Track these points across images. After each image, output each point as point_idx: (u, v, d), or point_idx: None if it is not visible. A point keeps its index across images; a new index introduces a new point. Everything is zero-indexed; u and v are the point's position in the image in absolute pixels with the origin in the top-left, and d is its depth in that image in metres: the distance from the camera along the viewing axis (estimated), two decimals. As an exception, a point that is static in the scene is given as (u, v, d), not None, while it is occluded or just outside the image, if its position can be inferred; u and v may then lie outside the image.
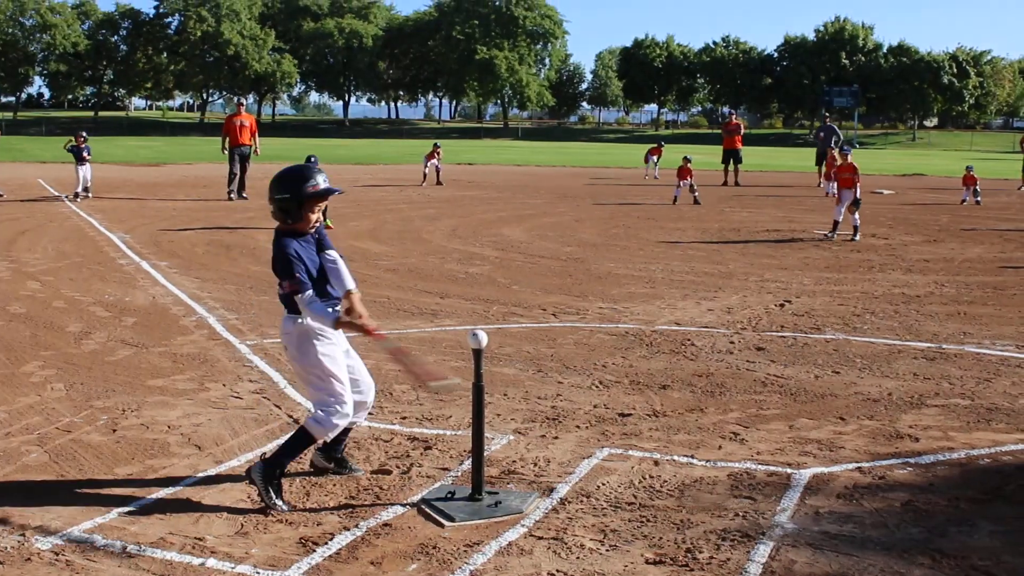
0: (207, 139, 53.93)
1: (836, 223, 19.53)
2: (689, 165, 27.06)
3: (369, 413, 7.42)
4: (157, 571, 4.92)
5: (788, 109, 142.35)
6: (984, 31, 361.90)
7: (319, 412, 5.82)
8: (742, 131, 36.70)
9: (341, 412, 5.83)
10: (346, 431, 6.18)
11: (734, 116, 41.88)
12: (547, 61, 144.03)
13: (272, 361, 8.96)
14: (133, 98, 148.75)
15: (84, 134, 26.73)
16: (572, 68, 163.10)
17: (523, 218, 22.39)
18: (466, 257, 15.95)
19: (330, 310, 5.85)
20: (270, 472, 5.78)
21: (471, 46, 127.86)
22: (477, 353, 5.84)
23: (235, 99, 39.61)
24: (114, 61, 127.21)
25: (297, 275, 5.70)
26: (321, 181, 5.88)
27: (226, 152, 26.31)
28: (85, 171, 25.47)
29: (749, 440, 6.97)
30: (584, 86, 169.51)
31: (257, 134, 26.83)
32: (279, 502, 5.73)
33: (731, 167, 34.86)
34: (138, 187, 29.77)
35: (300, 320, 5.85)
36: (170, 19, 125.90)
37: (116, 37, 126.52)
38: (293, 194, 5.80)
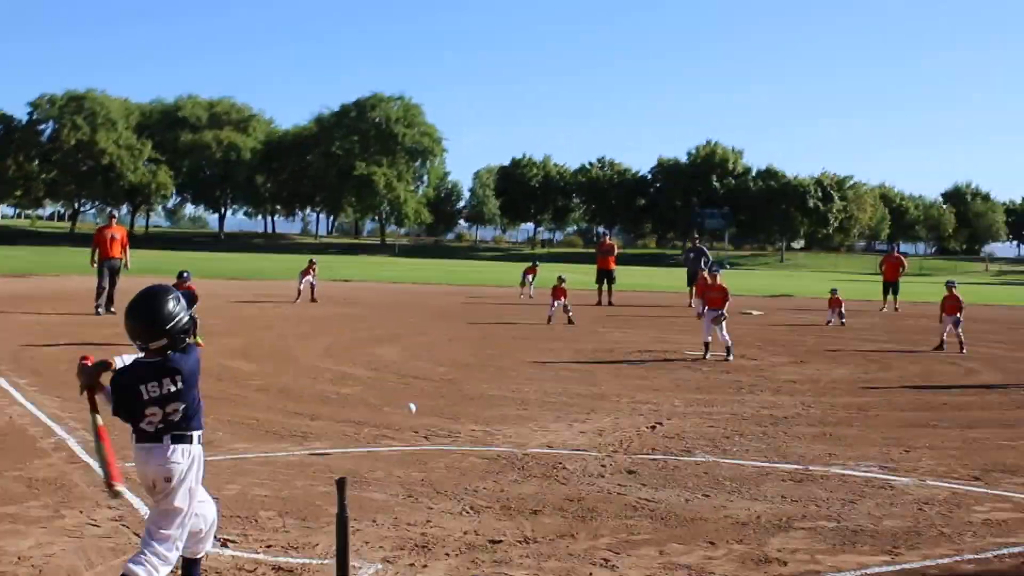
0: (77, 250, 53.14)
1: (706, 344, 19.87)
2: (563, 285, 27.34)
3: (232, 541, 7.24)
4: None
5: (661, 229, 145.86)
6: (846, 157, 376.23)
7: (152, 558, 5.53)
8: (615, 251, 37.29)
9: (171, 560, 5.65)
10: (196, 565, 6.03)
11: (608, 236, 42.89)
12: (425, 178, 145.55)
13: (134, 486, 8.67)
14: (1, 205, 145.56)
15: None
16: (450, 186, 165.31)
17: (398, 337, 22.29)
18: (338, 377, 15.77)
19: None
20: None
21: (350, 162, 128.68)
22: (341, 484, 5.71)
23: (107, 210, 39.02)
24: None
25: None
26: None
27: (95, 265, 25.84)
28: None
29: (620, 567, 6.93)
30: (462, 203, 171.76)
31: (128, 247, 26.43)
32: None
33: (605, 287, 35.34)
34: (1, 300, 28.94)
35: (192, 447, 5.71)
36: (43, 126, 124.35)
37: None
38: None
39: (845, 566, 7.09)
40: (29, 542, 7.16)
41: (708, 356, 19.58)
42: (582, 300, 33.06)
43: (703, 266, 32.96)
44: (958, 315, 22.35)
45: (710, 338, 19.88)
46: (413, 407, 11.20)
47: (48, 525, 7.57)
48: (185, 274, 20.24)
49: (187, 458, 5.66)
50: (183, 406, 5.61)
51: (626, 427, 12.13)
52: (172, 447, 5.62)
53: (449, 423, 12.09)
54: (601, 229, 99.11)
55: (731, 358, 19.39)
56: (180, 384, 5.59)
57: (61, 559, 6.82)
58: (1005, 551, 7.57)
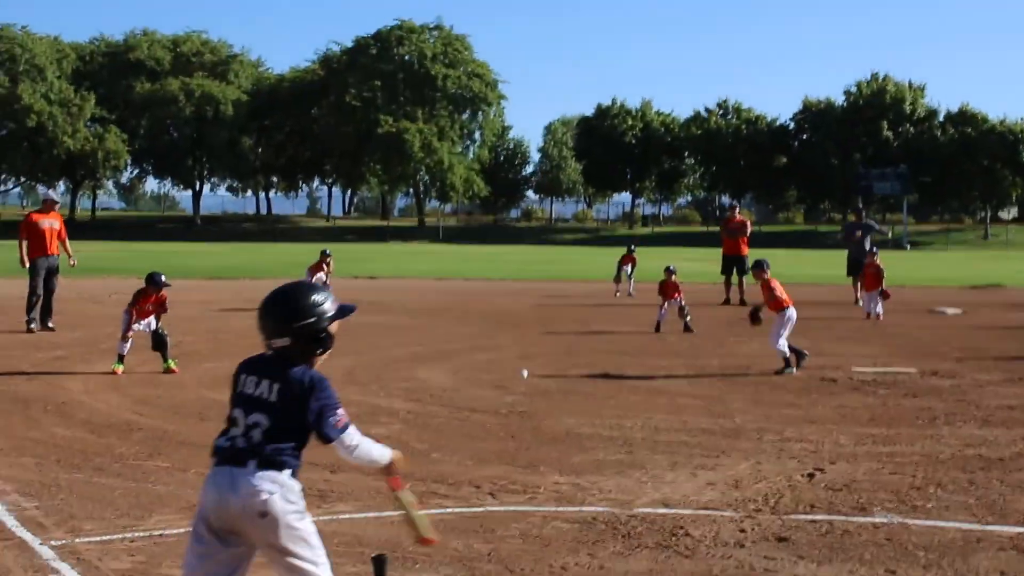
0: (5, 242, 53.68)
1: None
2: (675, 278, 27.19)
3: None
4: None
5: (811, 198, 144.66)
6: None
7: None
8: (748, 230, 37.09)
9: None
10: None
11: (737, 210, 42.06)
12: (478, 136, 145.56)
13: (87, 569, 8.75)
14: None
15: None
16: (512, 145, 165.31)
17: (447, 354, 22.36)
18: (366, 412, 15.78)
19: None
20: None
21: (371, 116, 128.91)
22: (379, 564, 5.99)
23: (42, 191, 39.33)
24: None
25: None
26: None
27: (27, 265, 25.96)
28: None
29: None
30: (530, 169, 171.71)
31: (67, 239, 26.59)
32: None
33: (735, 279, 35.24)
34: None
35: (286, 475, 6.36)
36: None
37: None
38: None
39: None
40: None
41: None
42: (702, 298, 32.99)
43: (869, 248, 32.84)
44: None
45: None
46: (525, 373, 11.27)
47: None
48: (158, 277, 20.33)
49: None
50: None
51: (772, 475, 12.06)
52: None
53: (524, 474, 12.09)
54: (727, 200, 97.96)
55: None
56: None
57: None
58: None
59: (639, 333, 26.45)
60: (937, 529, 10.06)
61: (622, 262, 39.93)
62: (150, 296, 19.79)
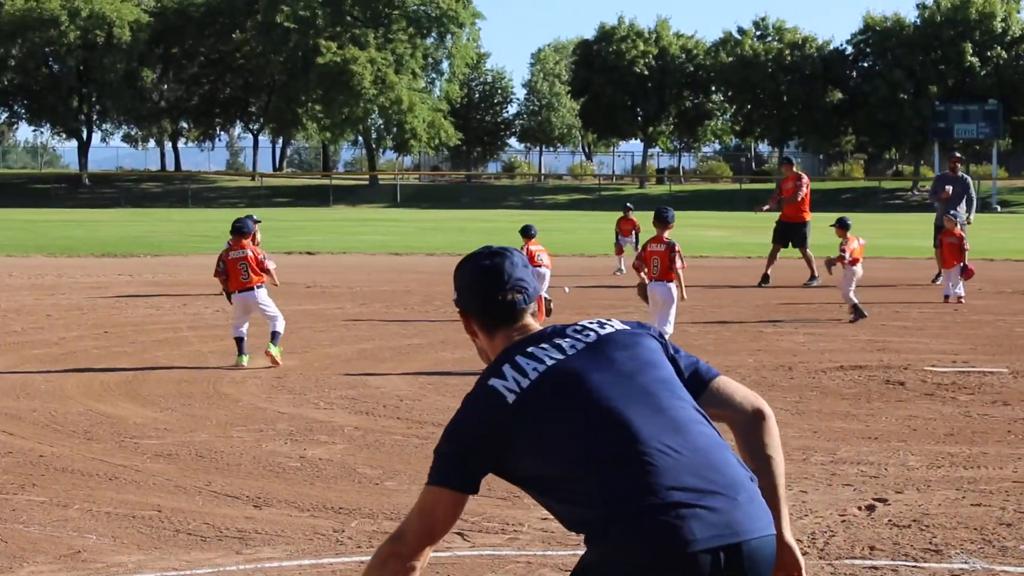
0: None
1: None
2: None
3: None
4: None
5: (874, 145, 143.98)
6: None
7: None
8: (806, 188, 37.11)
9: None
10: None
11: (793, 165, 41.48)
12: (446, 67, 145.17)
13: None
14: None
15: None
16: (491, 79, 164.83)
17: (405, 352, 22.42)
18: (302, 429, 15.86)
19: None
20: None
21: (309, 42, 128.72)
22: None
23: None
24: None
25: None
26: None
27: None
28: None
29: None
30: (512, 111, 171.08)
31: None
32: None
33: (791, 250, 35.47)
34: None
35: None
36: None
37: None
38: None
39: None
40: None
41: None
42: (734, 277, 33.00)
43: (965, 210, 32.94)
44: None
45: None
46: (567, 289, 11.47)
47: None
48: (247, 221, 22.38)
49: None
50: None
51: (822, 508, 12.11)
52: None
53: (503, 507, 12.11)
54: (765, 148, 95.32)
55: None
56: None
57: None
58: None
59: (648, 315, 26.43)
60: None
61: (621, 229, 39.71)
62: (240, 244, 21.45)
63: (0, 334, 22.42)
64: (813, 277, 35.11)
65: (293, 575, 10.08)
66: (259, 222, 34.12)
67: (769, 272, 34.95)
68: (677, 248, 20.58)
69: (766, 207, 40.01)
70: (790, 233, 36.17)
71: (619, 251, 38.69)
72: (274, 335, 20.89)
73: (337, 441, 15.19)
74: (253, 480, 13.32)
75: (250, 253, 21.01)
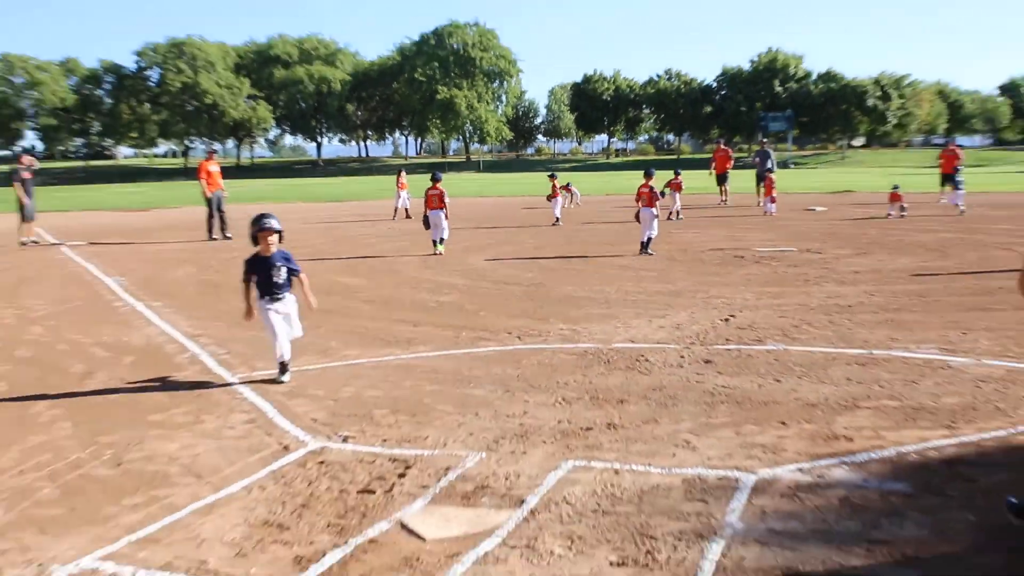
0: (191, 182, 53.62)
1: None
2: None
3: (352, 437, 7.54)
4: (165, 593, 5.01)
5: (728, 135, 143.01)
6: (903, 57, 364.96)
7: None
8: (731, 156, 39.53)
9: None
10: None
11: (722, 143, 42.67)
12: (503, 98, 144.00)
13: (262, 392, 9.02)
14: (120, 147, 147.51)
15: (30, 157, 27.00)
16: (527, 104, 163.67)
17: (487, 247, 22.46)
18: (436, 287, 15.99)
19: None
20: None
21: (432, 87, 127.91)
22: None
23: (217, 146, 39.12)
24: (100, 113, 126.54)
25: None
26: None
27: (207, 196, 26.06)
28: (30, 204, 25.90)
29: (700, 447, 7.11)
30: (539, 120, 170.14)
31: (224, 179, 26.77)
32: None
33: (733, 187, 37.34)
34: (130, 232, 29.62)
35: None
36: (150, 72, 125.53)
37: (101, 91, 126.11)
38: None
39: (907, 440, 7.20)
40: (176, 444, 7.53)
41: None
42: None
43: (769, 167, 33.07)
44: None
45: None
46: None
47: (191, 429, 7.94)
48: (438, 174, 22.17)
49: None
50: None
51: (702, 320, 12.22)
52: None
53: (539, 324, 12.28)
54: (671, 137, 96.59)
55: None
56: None
57: (205, 458, 7.18)
58: (1058, 420, 7.62)
59: (613, 229, 26.42)
60: (808, 352, 10.23)
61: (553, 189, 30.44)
62: (435, 186, 21.28)
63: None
64: (724, 202, 35.67)
65: (434, 360, 10.27)
66: (403, 171, 34.24)
67: (726, 200, 36.25)
68: (656, 189, 20.45)
69: (712, 167, 40.08)
70: (723, 178, 37.32)
71: (549, 198, 30.61)
72: (442, 240, 21.03)
73: (455, 292, 15.32)
74: (412, 312, 13.43)
75: (441, 190, 21.03)
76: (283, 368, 9.42)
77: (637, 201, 20.60)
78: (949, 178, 35.18)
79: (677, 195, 29.62)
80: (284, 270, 9.45)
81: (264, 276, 9.37)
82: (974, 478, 6.39)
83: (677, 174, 30.07)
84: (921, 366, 9.48)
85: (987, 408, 7.97)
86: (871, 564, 5.20)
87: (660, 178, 22.07)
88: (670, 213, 28.70)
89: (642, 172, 21.11)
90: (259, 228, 9.40)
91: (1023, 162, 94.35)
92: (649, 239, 20.22)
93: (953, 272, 16.55)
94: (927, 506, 5.94)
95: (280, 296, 9.41)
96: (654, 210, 20.54)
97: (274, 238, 9.42)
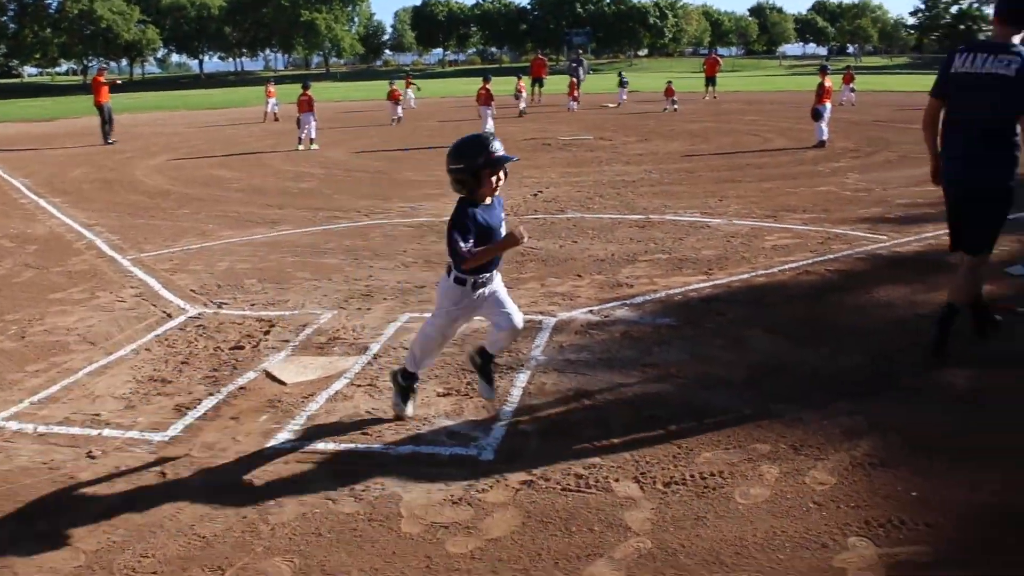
0: (89, 96, 50.31)
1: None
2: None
3: (225, 303, 7.22)
4: (64, 443, 4.72)
5: (540, 48, 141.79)
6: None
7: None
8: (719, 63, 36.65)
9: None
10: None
11: (714, 53, 41.16)
12: (356, 19, 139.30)
13: (149, 270, 8.55)
14: (26, 67, 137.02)
15: None
16: (376, 24, 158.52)
17: (343, 142, 21.69)
18: (298, 176, 15.39)
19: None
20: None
21: (297, 11, 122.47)
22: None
23: (98, 64, 36.38)
24: (6, 37, 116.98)
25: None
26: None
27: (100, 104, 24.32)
28: None
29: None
30: (386, 37, 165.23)
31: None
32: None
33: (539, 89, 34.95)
34: (34, 139, 27.60)
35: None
36: (50, 1, 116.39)
37: (5, 17, 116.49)
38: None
39: (674, 285, 7.31)
40: (74, 318, 7.08)
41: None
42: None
43: (582, 74, 33.05)
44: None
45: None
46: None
47: (87, 304, 7.47)
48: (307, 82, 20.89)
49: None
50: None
51: (516, 197, 12.14)
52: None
53: (384, 203, 12.00)
54: (494, 50, 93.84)
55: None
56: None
57: (99, 328, 6.77)
58: (787, 266, 7.85)
59: (451, 125, 25.90)
60: (599, 218, 10.28)
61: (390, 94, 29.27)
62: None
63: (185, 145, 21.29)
64: (539, 100, 34.02)
65: (296, 236, 9.92)
66: (271, 81, 32.63)
67: (540, 99, 34.37)
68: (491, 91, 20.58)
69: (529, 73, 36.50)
70: (540, 82, 35.46)
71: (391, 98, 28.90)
72: (312, 139, 20.11)
73: (314, 180, 14.80)
74: (278, 198, 12.93)
75: (310, 95, 20.25)
76: (409, 383, 4.87)
77: (477, 100, 20.49)
78: (711, 80, 35.89)
79: (523, 96, 29.48)
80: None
81: (485, 237, 4.45)
82: (723, 312, 6.54)
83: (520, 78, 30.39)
84: (686, 227, 9.64)
85: (735, 257, 8.16)
86: (644, 381, 5.27)
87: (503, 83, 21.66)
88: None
89: (481, 77, 20.92)
90: (494, 159, 4.54)
91: (767, 68, 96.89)
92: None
93: (713, 153, 16.88)
94: (688, 335, 6.04)
95: (493, 269, 4.62)
96: (489, 109, 20.38)
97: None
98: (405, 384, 4.84)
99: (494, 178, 4.44)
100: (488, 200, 4.49)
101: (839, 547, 3.57)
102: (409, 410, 4.86)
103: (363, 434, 4.72)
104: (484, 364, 4.81)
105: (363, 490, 4.15)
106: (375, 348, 5.99)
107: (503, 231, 4.48)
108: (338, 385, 5.38)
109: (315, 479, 4.27)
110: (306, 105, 20.17)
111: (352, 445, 4.60)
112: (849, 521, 3.73)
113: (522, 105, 29.14)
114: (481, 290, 4.52)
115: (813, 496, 3.95)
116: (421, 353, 4.76)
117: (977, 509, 3.82)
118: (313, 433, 4.75)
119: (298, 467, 4.39)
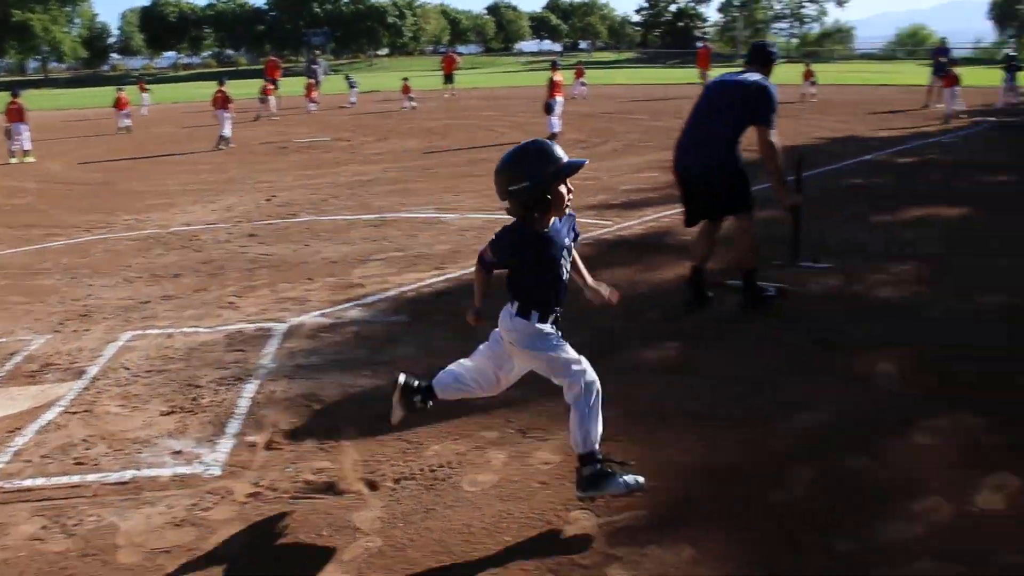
0: None
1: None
2: (224, 90, 24.31)
3: None
4: None
5: (278, 49, 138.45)
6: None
7: None
8: (710, 59, 32.76)
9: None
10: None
11: (705, 43, 37.91)
12: (77, 21, 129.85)
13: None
14: None
15: None
16: (101, 26, 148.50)
17: (63, 153, 20.17)
18: (10, 191, 14.11)
19: None
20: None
21: (7, 11, 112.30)
22: None
23: None
24: None
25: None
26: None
27: None
28: None
29: (242, 306, 6.84)
30: (112, 40, 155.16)
31: None
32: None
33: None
34: None
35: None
36: None
37: None
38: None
39: (407, 282, 7.35)
40: None
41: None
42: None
43: (320, 75, 32.84)
44: None
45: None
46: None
47: None
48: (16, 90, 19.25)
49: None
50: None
51: (248, 202, 11.77)
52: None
53: (106, 217, 11.25)
54: (232, 52, 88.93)
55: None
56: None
57: None
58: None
59: (182, 132, 24.76)
60: (333, 220, 10.17)
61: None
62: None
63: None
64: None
65: (5, 258, 9.06)
66: (18, 94, 29.77)
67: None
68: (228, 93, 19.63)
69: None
70: (450, 78, 35.68)
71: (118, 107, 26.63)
72: (26, 151, 18.64)
73: (28, 195, 13.61)
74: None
75: (20, 104, 18.91)
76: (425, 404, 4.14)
77: (213, 105, 19.81)
78: (449, 77, 36.47)
79: (272, 99, 28.44)
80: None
81: (549, 268, 3.75)
82: (457, 303, 6.65)
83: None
84: (421, 223, 9.73)
85: (468, 251, 8.33)
86: (374, 380, 5.27)
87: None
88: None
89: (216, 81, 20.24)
90: (565, 166, 3.48)
91: (504, 64, 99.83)
92: (223, 137, 19.26)
93: (450, 149, 17.17)
94: (419, 330, 6.10)
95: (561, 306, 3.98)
96: (227, 113, 19.65)
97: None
98: (421, 406, 4.11)
99: (563, 188, 3.51)
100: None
101: (563, 522, 3.71)
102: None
103: (77, 464, 4.40)
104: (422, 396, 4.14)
105: (75, 524, 3.87)
106: (93, 371, 5.60)
107: (567, 255, 3.75)
108: (50, 415, 4.98)
109: (20, 521, 3.94)
110: (16, 114, 18.65)
111: (64, 478, 4.28)
112: (571, 497, 3.87)
113: (273, 108, 28.14)
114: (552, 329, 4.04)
115: (539, 476, 4.09)
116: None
117: (685, 470, 4.10)
118: (19, 470, 4.37)
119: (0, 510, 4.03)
